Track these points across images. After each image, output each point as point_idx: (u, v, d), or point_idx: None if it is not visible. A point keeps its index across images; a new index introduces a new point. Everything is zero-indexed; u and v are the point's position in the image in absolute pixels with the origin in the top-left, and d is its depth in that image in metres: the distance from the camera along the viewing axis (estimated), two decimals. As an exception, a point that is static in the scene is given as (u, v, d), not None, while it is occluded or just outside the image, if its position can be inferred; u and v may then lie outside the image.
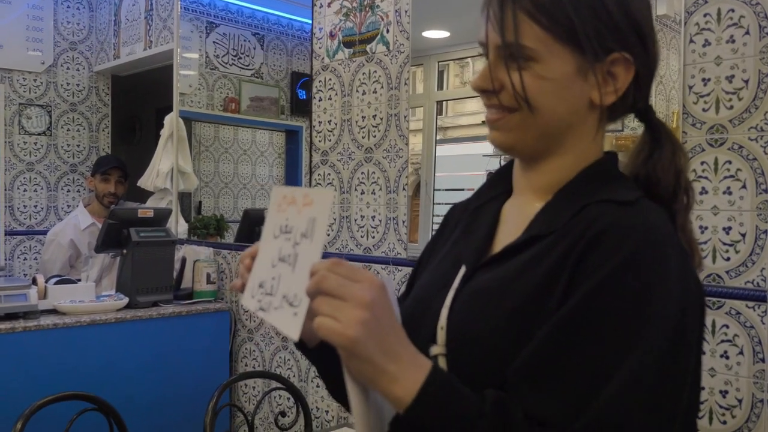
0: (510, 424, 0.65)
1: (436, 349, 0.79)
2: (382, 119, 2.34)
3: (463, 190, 2.28)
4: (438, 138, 2.36)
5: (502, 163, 2.30)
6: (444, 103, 2.42)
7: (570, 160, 0.82)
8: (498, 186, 0.93)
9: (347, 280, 0.63)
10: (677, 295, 0.69)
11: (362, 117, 2.42)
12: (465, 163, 2.39)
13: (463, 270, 0.84)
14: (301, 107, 3.99)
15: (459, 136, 2.48)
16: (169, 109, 3.41)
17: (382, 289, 0.65)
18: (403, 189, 2.27)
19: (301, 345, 0.87)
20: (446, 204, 2.16)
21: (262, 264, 0.71)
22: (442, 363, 0.78)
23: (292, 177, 4.13)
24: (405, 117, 2.27)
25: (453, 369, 0.77)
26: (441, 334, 0.79)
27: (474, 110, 2.42)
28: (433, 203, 2.30)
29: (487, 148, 2.59)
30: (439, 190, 2.30)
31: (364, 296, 0.63)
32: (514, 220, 0.85)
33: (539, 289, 0.73)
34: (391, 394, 0.64)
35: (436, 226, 2.25)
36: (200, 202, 3.84)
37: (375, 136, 2.37)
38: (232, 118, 3.88)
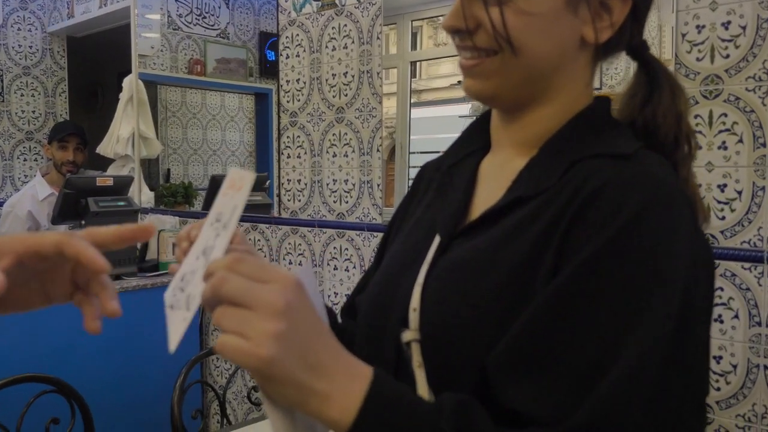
0: None
1: (409, 335, 0.68)
2: (353, 77, 2.21)
3: (438, 152, 2.18)
4: (412, 101, 2.29)
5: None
6: (418, 65, 2.34)
7: (557, 108, 0.71)
8: (474, 141, 0.81)
9: (252, 281, 0.50)
10: (687, 265, 0.59)
11: (332, 75, 2.28)
12: (440, 125, 2.31)
13: (437, 240, 0.73)
14: (271, 69, 3.88)
15: (433, 99, 2.41)
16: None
17: (298, 288, 0.51)
18: (377, 150, 2.16)
19: None
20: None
21: (191, 254, 0.58)
22: (416, 350, 0.67)
23: (263, 142, 4.03)
24: (378, 74, 2.14)
25: (429, 357, 0.66)
26: (414, 317, 0.68)
27: (448, 72, 2.37)
28: (409, 166, 2.25)
29: (463, 109, 2.53)
30: (414, 153, 2.23)
31: (275, 301, 0.49)
32: (494, 179, 0.75)
33: (527, 260, 0.63)
34: (325, 417, 0.52)
35: (402, 199, 2.16)
36: (168, 170, 3.73)
37: (346, 95, 2.24)
38: (197, 81, 3.75)
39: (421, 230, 0.77)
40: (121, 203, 2.58)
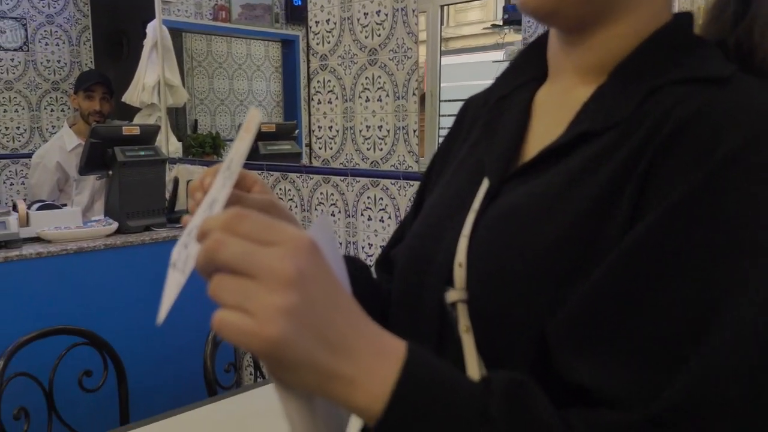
0: (531, 426, 0.44)
1: (454, 295, 0.58)
2: (387, 15, 2.09)
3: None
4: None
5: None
6: (446, 12, 2.23)
7: (631, 26, 0.59)
8: (527, 69, 0.70)
9: (256, 243, 0.41)
10: None
11: (364, 14, 2.16)
12: (469, 72, 2.22)
13: (485, 184, 0.63)
14: (297, 14, 3.79)
15: (462, 47, 2.31)
16: (157, 21, 3.17)
17: (312, 250, 0.42)
18: (413, 94, 2.05)
19: None
20: (452, 116, 2.02)
21: (203, 205, 0.50)
22: (463, 312, 0.58)
23: (290, 90, 3.96)
24: (413, 11, 2.02)
25: (477, 320, 0.57)
26: (459, 273, 0.59)
27: (476, 19, 2.23)
28: (439, 115, 2.14)
29: (496, 55, 2.41)
30: (444, 101, 2.12)
31: (284, 268, 0.40)
32: (553, 112, 0.64)
33: (596, 206, 0.53)
34: (351, 404, 0.43)
35: (442, 140, 2.08)
36: (196, 121, 3.69)
37: (380, 35, 2.12)
38: (222, 28, 3.67)
39: (466, 174, 0.67)
40: (149, 152, 2.52)
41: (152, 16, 3.20)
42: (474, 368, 0.57)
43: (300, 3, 3.78)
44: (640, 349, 0.47)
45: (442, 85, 2.22)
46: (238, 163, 0.46)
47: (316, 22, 2.32)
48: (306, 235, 0.42)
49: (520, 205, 0.58)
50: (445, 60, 2.23)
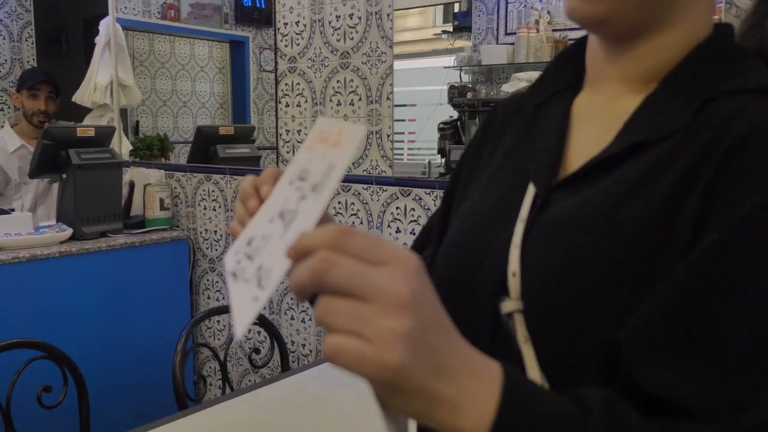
0: None
1: (510, 305, 0.57)
2: (360, 18, 2.07)
3: (415, 105, 2.16)
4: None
5: (463, 78, 2.16)
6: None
7: (679, 36, 0.60)
8: (562, 77, 0.69)
9: (366, 263, 0.39)
10: None
11: (336, 16, 2.13)
12: (415, 77, 2.22)
13: (531, 193, 0.62)
14: (247, 15, 3.71)
15: (399, 53, 2.34)
16: (99, 18, 3.06)
17: (421, 270, 0.40)
18: (387, 98, 2.03)
19: None
20: (402, 120, 2.10)
21: (263, 214, 0.48)
22: (519, 323, 0.57)
23: (239, 94, 3.87)
24: (388, 15, 2.00)
25: (536, 331, 0.56)
26: (514, 283, 0.58)
27: (416, 26, 2.25)
28: (393, 119, 2.13)
29: (445, 61, 2.41)
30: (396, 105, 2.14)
31: (400, 291, 0.38)
32: (596, 121, 0.64)
33: (659, 216, 0.53)
34: (455, 429, 0.42)
35: (396, 144, 2.02)
36: (137, 122, 3.56)
37: (352, 39, 2.09)
38: (171, 27, 3.56)
39: (507, 181, 0.66)
40: (105, 155, 2.41)
41: (92, 11, 3.08)
42: (536, 379, 0.56)
43: (250, 4, 3.71)
44: (723, 361, 0.46)
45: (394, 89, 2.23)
46: (332, 181, 0.43)
47: (284, 23, 2.28)
48: (413, 254, 0.40)
49: (575, 216, 0.57)
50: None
